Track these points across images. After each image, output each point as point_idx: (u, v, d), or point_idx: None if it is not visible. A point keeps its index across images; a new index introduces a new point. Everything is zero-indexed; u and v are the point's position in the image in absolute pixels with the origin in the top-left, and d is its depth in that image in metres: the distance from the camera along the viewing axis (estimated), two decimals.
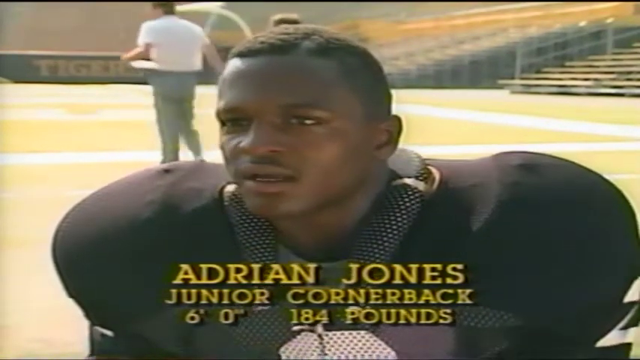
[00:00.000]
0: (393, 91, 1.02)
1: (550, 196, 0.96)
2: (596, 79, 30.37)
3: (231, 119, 0.94)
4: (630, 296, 0.97)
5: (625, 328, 0.99)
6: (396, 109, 1.02)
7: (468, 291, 0.94)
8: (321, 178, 0.93)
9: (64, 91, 28.34)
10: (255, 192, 0.93)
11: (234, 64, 0.96)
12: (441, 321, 0.94)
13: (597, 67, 32.56)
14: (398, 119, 0.99)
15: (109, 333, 1.07)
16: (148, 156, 7.95)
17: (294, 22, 7.41)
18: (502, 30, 40.51)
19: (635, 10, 36.64)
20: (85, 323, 1.09)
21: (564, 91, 29.89)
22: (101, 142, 11.58)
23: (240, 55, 0.96)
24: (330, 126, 0.92)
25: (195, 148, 7.44)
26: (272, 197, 0.92)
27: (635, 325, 1.01)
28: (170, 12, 7.59)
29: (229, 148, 0.94)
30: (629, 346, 1.01)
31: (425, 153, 1.09)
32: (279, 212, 0.94)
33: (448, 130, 13.91)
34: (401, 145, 1.01)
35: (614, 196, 0.99)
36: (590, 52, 35.08)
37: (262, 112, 0.92)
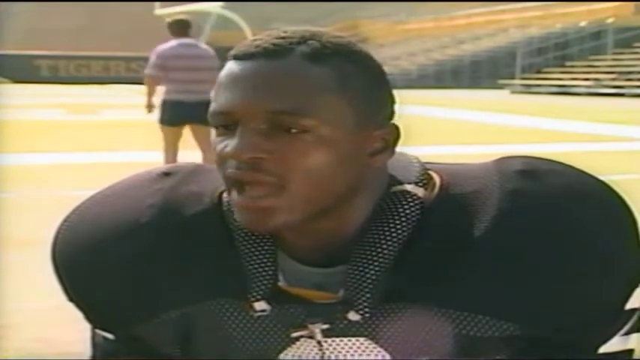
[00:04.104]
0: (394, 92, 1.01)
1: (550, 203, 0.96)
2: (596, 79, 30.38)
3: (221, 123, 0.94)
4: (632, 303, 0.97)
5: (627, 334, 0.99)
6: (396, 109, 1.01)
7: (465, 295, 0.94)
8: (308, 187, 0.91)
9: (64, 91, 28.34)
10: (243, 207, 0.93)
11: (228, 67, 0.95)
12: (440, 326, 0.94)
13: (597, 67, 32.57)
14: (396, 127, 0.98)
15: (109, 336, 1.07)
16: (148, 156, 7.95)
17: (186, 22, 7.45)
18: (502, 30, 40.53)
19: (636, 10, 36.63)
20: (84, 323, 1.09)
21: (564, 91, 29.90)
22: (101, 142, 11.58)
23: (235, 58, 0.95)
24: (316, 134, 0.91)
25: None
26: (260, 212, 0.92)
27: (638, 331, 1.00)
28: None
29: (218, 151, 0.94)
30: (631, 352, 1.01)
31: (425, 153, 1.09)
32: (269, 227, 0.93)
33: (448, 130, 13.91)
34: (401, 145, 1.00)
35: (615, 203, 0.98)
36: (591, 52, 35.10)
37: (248, 118, 0.91)
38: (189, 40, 7.39)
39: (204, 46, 7.52)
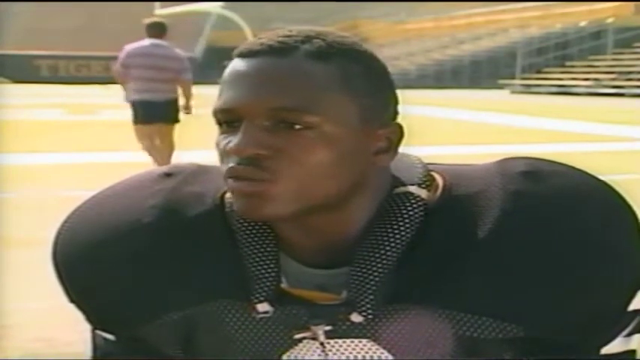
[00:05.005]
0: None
1: (553, 205, 0.96)
2: (596, 79, 30.38)
3: (226, 120, 0.94)
4: (634, 304, 0.97)
5: (629, 335, 0.99)
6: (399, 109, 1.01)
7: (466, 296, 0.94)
8: (306, 182, 0.92)
9: (64, 91, 28.34)
10: (237, 192, 0.93)
11: (233, 64, 0.96)
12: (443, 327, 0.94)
13: (597, 67, 32.56)
14: (399, 126, 0.98)
15: (110, 337, 1.07)
16: (148, 156, 7.95)
17: (162, 25, 7.70)
18: (502, 30, 40.53)
19: (636, 10, 36.64)
20: (85, 323, 1.09)
21: (564, 91, 29.90)
22: (101, 142, 11.58)
23: (240, 55, 0.95)
24: (320, 131, 0.91)
25: None
26: (254, 198, 0.92)
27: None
28: None
29: (221, 148, 0.94)
30: (633, 352, 1.00)
31: (425, 153, 1.09)
32: (264, 214, 0.93)
33: (448, 130, 13.91)
34: (401, 146, 1.00)
35: (617, 204, 0.98)
36: (591, 52, 35.10)
37: (252, 114, 0.92)
38: (159, 40, 7.66)
39: (174, 48, 7.80)
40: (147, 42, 7.65)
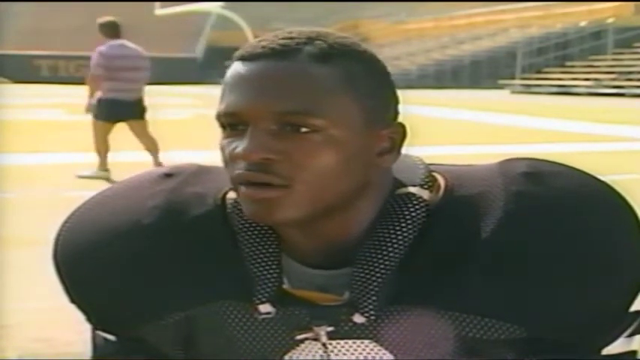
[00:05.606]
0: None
1: (554, 206, 0.96)
2: (596, 79, 30.35)
3: (230, 123, 0.94)
4: (636, 305, 0.97)
5: (631, 335, 0.99)
6: (400, 109, 1.01)
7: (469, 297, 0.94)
8: (316, 186, 0.92)
9: (64, 91, 28.32)
10: (250, 198, 0.93)
11: (235, 67, 0.95)
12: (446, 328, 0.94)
13: (598, 67, 32.53)
14: (402, 126, 0.99)
15: (110, 337, 1.07)
16: (148, 156, 7.95)
17: (117, 24, 7.96)
18: (502, 30, 40.51)
19: (636, 10, 36.63)
20: (85, 323, 1.09)
21: (565, 91, 29.87)
22: None
23: (242, 58, 0.95)
24: (326, 133, 0.91)
25: None
26: (266, 203, 0.92)
27: None
28: None
29: (227, 152, 0.94)
30: (634, 353, 1.01)
31: (425, 153, 1.09)
32: (275, 219, 0.93)
33: (448, 130, 13.90)
34: (403, 146, 1.00)
35: (618, 205, 0.98)
36: (591, 52, 35.05)
37: (258, 118, 0.92)
38: (123, 40, 7.99)
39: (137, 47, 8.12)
40: (116, 43, 7.91)
